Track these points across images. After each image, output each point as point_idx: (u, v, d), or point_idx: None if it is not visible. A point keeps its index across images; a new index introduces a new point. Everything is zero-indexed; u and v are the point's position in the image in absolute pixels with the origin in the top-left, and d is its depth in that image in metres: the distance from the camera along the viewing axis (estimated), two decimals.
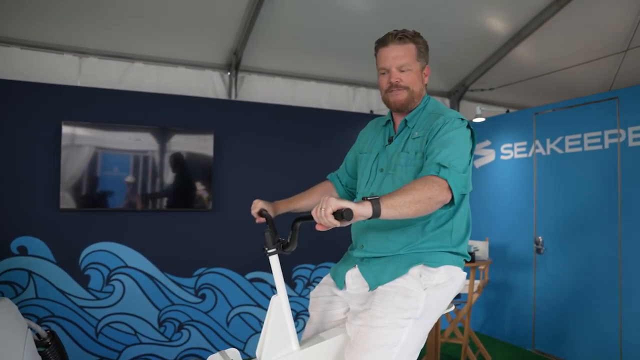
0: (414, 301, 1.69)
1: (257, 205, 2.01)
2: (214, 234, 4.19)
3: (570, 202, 4.19)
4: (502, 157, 4.93)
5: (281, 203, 2.11)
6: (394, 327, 1.65)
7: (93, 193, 3.85)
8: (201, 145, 4.10)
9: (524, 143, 4.68)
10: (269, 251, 1.75)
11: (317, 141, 4.63)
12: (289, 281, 4.40)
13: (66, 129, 3.70)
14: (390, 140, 1.94)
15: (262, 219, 1.97)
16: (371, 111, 5.06)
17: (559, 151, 4.31)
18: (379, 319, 1.66)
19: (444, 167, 1.62)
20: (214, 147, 4.12)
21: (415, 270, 1.74)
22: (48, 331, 1.57)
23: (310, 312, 2.03)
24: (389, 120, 2.01)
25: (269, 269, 4.23)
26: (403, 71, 1.86)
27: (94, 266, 3.88)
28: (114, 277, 3.92)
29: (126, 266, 3.95)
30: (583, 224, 4.08)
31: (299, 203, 2.16)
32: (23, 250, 3.70)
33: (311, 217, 1.50)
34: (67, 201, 3.73)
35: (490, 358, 4.23)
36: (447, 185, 1.60)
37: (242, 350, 4.24)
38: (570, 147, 4.21)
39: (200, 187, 4.12)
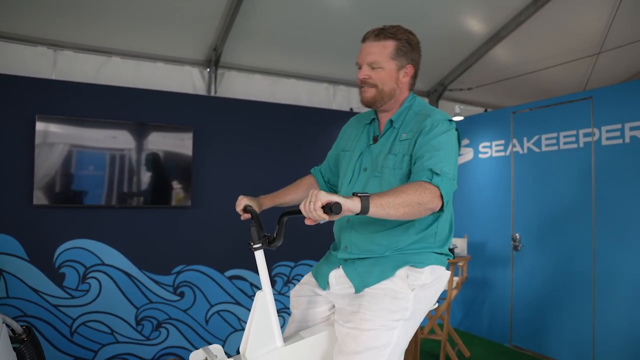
0: (403, 302, 1.69)
1: (242, 201, 1.98)
2: (193, 231, 4.14)
3: (547, 199, 4.27)
4: (480, 156, 4.99)
5: (266, 198, 2.09)
6: (384, 329, 1.65)
7: (68, 189, 3.76)
8: (180, 141, 4.05)
9: (502, 142, 4.75)
10: (255, 246, 1.72)
11: (297, 138, 4.62)
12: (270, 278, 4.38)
13: (40, 124, 3.60)
14: (375, 140, 1.91)
15: (247, 215, 1.94)
16: (351, 109, 5.07)
17: (536, 150, 4.38)
18: (369, 321, 1.66)
19: (436, 174, 1.61)
20: (193, 144, 4.07)
21: (402, 272, 1.74)
22: (24, 327, 1.53)
23: (292, 310, 2.01)
24: (373, 118, 1.98)
25: (248, 267, 4.26)
26: (374, 68, 1.83)
27: (69, 264, 3.79)
28: (90, 275, 3.84)
29: (103, 264, 3.87)
30: (559, 221, 4.15)
31: (284, 198, 2.14)
32: None
33: (299, 212, 1.49)
34: (40, 197, 3.63)
35: (468, 354, 4.28)
36: (439, 192, 1.59)
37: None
38: (547, 145, 4.28)
39: (178, 184, 4.07)
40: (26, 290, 3.62)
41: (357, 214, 1.44)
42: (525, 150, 4.48)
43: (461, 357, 4.18)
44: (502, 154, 4.73)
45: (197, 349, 4.06)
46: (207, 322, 4.17)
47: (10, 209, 3.62)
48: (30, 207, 3.65)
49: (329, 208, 1.39)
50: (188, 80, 4.51)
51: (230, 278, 4.25)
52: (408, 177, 1.74)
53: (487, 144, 4.90)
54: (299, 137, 4.63)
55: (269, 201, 2.09)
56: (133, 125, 3.91)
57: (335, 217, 1.41)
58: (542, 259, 4.29)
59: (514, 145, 4.61)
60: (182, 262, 4.11)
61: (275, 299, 4.38)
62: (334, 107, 5.12)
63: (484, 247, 4.75)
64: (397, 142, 1.83)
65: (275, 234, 1.70)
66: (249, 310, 4.25)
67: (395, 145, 1.83)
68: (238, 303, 4.27)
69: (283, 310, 4.40)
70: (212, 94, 4.50)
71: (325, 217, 1.40)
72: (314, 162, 4.59)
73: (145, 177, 3.96)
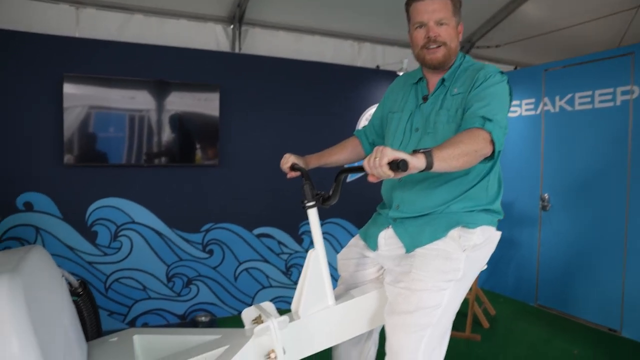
0: (455, 263, 1.69)
1: (289, 159, 1.95)
2: (221, 190, 4.16)
3: (578, 159, 4.19)
4: (510, 115, 4.88)
5: (312, 157, 2.06)
6: (436, 290, 1.65)
7: (97, 149, 3.77)
8: (207, 99, 4.01)
9: (532, 100, 4.64)
10: (308, 204, 1.70)
11: (322, 96, 4.55)
12: (297, 237, 4.41)
13: (68, 83, 3.58)
14: (425, 99, 1.87)
15: (294, 173, 1.92)
16: (377, 66, 4.97)
17: (568, 108, 4.27)
18: (421, 282, 1.65)
19: (489, 120, 1.59)
20: (219, 103, 4.02)
21: (454, 233, 1.72)
22: (79, 281, 1.55)
23: (341, 273, 2.02)
24: (421, 78, 1.94)
25: (276, 225, 4.28)
26: (441, 24, 1.78)
27: (100, 222, 3.85)
28: (121, 233, 3.89)
29: (133, 222, 3.92)
30: (591, 181, 4.08)
31: (329, 158, 2.11)
32: (29, 206, 3.65)
33: (359, 169, 1.46)
34: (70, 157, 3.65)
35: (494, 312, 4.31)
36: (490, 138, 1.57)
37: (249, 305, 4.27)
38: (580, 104, 4.17)
39: (206, 142, 4.05)
40: (62, 248, 3.69)
41: (422, 171, 1.42)
42: (557, 109, 4.37)
43: (487, 315, 4.21)
44: (532, 112, 4.63)
45: (226, 305, 4.16)
46: (235, 279, 4.23)
47: (42, 168, 3.65)
48: (61, 166, 3.68)
49: (395, 165, 1.35)
50: (212, 38, 4.43)
51: (258, 236, 4.29)
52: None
53: (517, 102, 4.79)
54: (324, 95, 4.56)
55: (315, 161, 2.06)
56: (159, 83, 3.87)
57: (400, 175, 1.38)
58: (571, 220, 4.25)
59: (545, 104, 4.50)
60: (211, 220, 4.14)
61: (302, 257, 4.44)
62: (359, 64, 5.01)
63: (511, 207, 4.71)
64: (449, 97, 1.80)
65: (331, 192, 1.68)
66: (277, 267, 4.32)
67: (446, 101, 1.80)
68: (266, 261, 4.32)
69: None
70: (237, 51, 4.43)
71: (390, 174, 1.37)
72: (339, 119, 4.57)
73: (174, 136, 3.95)
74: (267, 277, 4.34)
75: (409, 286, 1.66)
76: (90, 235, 3.81)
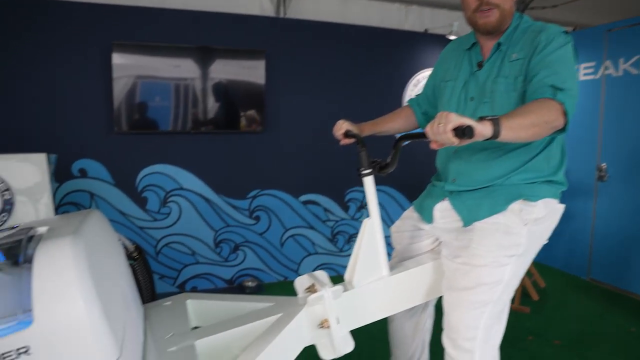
0: (516, 238, 1.61)
1: (343, 125, 1.88)
2: (267, 156, 4.16)
3: None
4: None
5: (366, 125, 1.99)
6: (496, 265, 1.58)
7: (144, 116, 3.81)
8: (252, 67, 3.97)
9: (592, 63, 4.38)
10: (365, 172, 1.65)
11: (370, 61, 4.43)
12: (343, 204, 4.39)
13: (116, 53, 3.61)
14: (480, 66, 1.76)
15: (348, 140, 1.86)
16: (426, 30, 4.79)
17: (634, 71, 4.01)
18: (480, 257, 1.59)
19: (559, 89, 1.47)
20: (265, 68, 3.98)
21: (515, 206, 1.64)
22: (135, 245, 1.57)
23: (395, 246, 1.97)
24: (474, 43, 1.81)
25: (322, 192, 4.27)
26: None
27: (150, 188, 3.93)
28: (170, 199, 3.97)
29: (181, 188, 3.98)
30: None
31: (383, 126, 2.03)
32: (83, 173, 3.76)
33: (421, 135, 1.40)
34: (120, 125, 3.72)
35: (543, 284, 4.20)
36: (563, 109, 1.46)
37: (295, 271, 4.32)
38: None
39: (251, 109, 4.04)
40: (115, 213, 3.79)
41: (488, 139, 1.34)
42: (621, 72, 4.12)
43: (536, 288, 4.11)
44: (592, 77, 4.38)
45: (272, 271, 4.20)
46: (282, 245, 4.27)
47: (95, 136, 3.74)
48: (112, 134, 3.75)
49: (460, 131, 1.27)
50: (256, 3, 4.36)
51: (304, 203, 4.29)
52: (523, 99, 1.60)
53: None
54: (371, 60, 4.44)
55: (369, 128, 1.98)
56: (204, 50, 3.86)
57: (465, 142, 1.30)
58: (630, 191, 4.04)
59: (606, 67, 4.24)
60: (257, 186, 4.16)
61: (348, 224, 4.42)
62: (407, 27, 4.85)
63: (565, 177, 4.52)
64: (507, 63, 1.68)
65: (389, 159, 1.62)
66: (323, 234, 4.32)
67: (504, 67, 1.68)
68: (312, 227, 4.33)
69: (355, 236, 4.43)
70: (281, 16, 4.35)
71: (454, 142, 1.30)
72: (386, 85, 4.46)
73: (219, 103, 3.95)
74: (313, 243, 4.35)
75: (467, 261, 1.61)
76: (140, 201, 3.91)
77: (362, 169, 1.67)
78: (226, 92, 3.96)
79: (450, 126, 1.28)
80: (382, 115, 2.15)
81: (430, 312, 2.02)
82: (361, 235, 1.61)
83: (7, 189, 2.05)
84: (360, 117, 2.15)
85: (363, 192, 4.33)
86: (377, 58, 4.45)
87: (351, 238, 4.44)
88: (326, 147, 4.20)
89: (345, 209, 4.42)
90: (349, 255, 4.51)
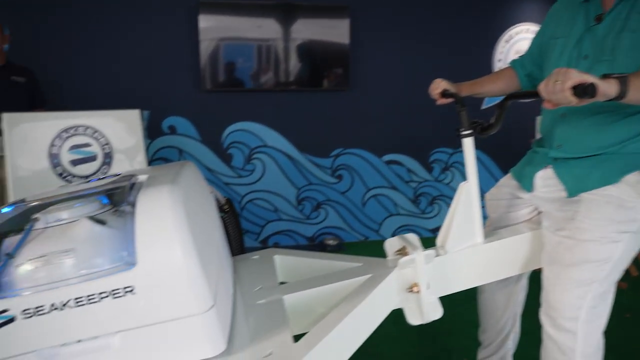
0: (631, 213, 1.44)
1: (440, 84, 1.75)
2: (351, 115, 4.09)
3: None
4: None
5: (464, 85, 1.84)
6: (606, 241, 1.43)
7: (230, 75, 3.87)
8: (335, 26, 3.88)
9: None
10: (464, 133, 1.54)
11: (459, 16, 4.18)
12: (427, 165, 4.27)
13: (203, 14, 3.65)
14: (599, 19, 1.53)
15: (445, 100, 1.74)
16: None
17: None
18: (587, 231, 1.44)
19: None
20: (349, 27, 3.87)
21: (630, 178, 1.45)
22: (226, 198, 1.60)
23: (489, 214, 1.85)
24: None
25: (405, 152, 4.16)
26: None
27: (235, 145, 4.01)
28: (254, 156, 4.04)
29: (265, 145, 4.03)
30: None
31: (482, 87, 1.88)
32: (173, 130, 3.90)
33: (531, 94, 1.27)
34: (206, 83, 3.79)
35: None
36: None
37: (376, 231, 4.30)
38: None
39: (336, 66, 3.97)
40: (202, 169, 3.92)
41: (611, 100, 1.19)
42: None
43: (635, 262, 3.81)
44: None
45: (354, 230, 4.20)
46: (363, 205, 4.24)
47: (183, 93, 3.85)
48: (199, 92, 3.85)
49: (581, 90, 1.13)
50: None
51: (388, 163, 4.21)
52: None
53: None
54: (461, 15, 4.19)
55: (467, 89, 1.84)
56: (287, 7, 3.80)
57: (585, 102, 1.16)
58: None
59: None
60: (340, 145, 4.13)
61: (431, 185, 4.29)
62: None
63: None
64: (635, 15, 1.44)
65: (492, 120, 1.51)
66: (405, 195, 4.23)
67: (631, 20, 1.44)
68: (394, 188, 4.26)
69: (439, 198, 4.32)
70: None
71: (573, 101, 1.16)
72: (477, 41, 4.21)
73: (303, 61, 3.91)
74: (395, 204, 4.29)
75: (572, 235, 1.46)
76: (226, 158, 4.01)
77: (462, 129, 1.55)
78: (309, 52, 3.91)
79: (570, 84, 1.14)
80: (472, 72, 2.00)
81: (523, 284, 1.90)
82: (457, 199, 1.52)
83: (107, 143, 2.15)
84: (450, 74, 2.01)
85: (447, 153, 4.24)
86: (467, 12, 4.19)
87: (434, 200, 4.33)
88: (411, 106, 4.08)
89: (429, 170, 4.29)
90: (432, 217, 4.41)
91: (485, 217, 1.71)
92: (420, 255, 1.31)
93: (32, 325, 0.80)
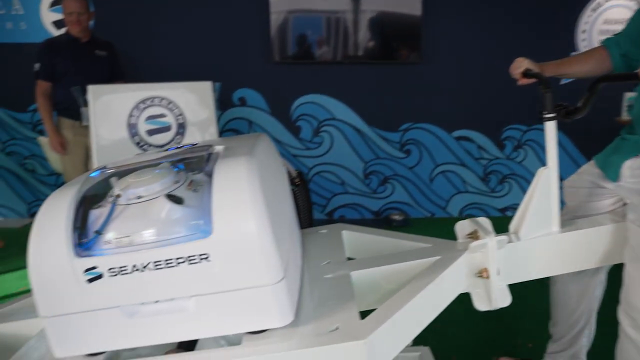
0: None
1: (523, 64, 1.64)
2: (422, 89, 4.00)
3: None
4: None
5: (549, 65, 1.72)
6: None
7: (300, 47, 3.87)
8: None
9: None
10: (547, 116, 1.45)
11: None
12: (498, 142, 4.11)
13: None
14: None
15: (527, 80, 1.63)
16: None
17: None
18: None
19: None
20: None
21: None
22: (297, 171, 1.61)
23: (567, 202, 1.76)
24: None
25: (476, 128, 4.02)
26: None
27: (304, 117, 4.03)
28: (322, 129, 4.05)
29: (334, 118, 4.03)
30: None
31: (570, 67, 1.75)
32: (243, 101, 3.98)
33: (627, 77, 1.18)
34: (276, 56, 3.82)
35: None
36: None
37: (443, 209, 4.22)
38: None
39: (407, 38, 3.87)
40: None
41: None
42: None
43: None
44: None
45: (420, 206, 4.15)
46: (431, 181, 4.17)
47: (253, 66, 3.91)
48: (269, 65, 3.88)
49: None
50: None
51: (458, 139, 4.09)
52: None
53: None
54: None
55: (552, 69, 1.71)
56: None
57: None
58: None
59: None
60: (409, 119, 4.05)
61: (502, 164, 4.15)
62: None
63: None
64: None
65: (580, 104, 1.41)
66: (474, 173, 4.12)
67: None
68: (464, 165, 4.14)
69: (510, 177, 4.16)
70: None
71: None
72: (555, 14, 3.94)
73: (374, 34, 3.84)
74: (464, 181, 4.18)
75: None
76: (294, 130, 4.04)
77: (545, 112, 1.46)
78: (380, 24, 3.84)
79: None
80: (554, 49, 1.86)
81: (601, 279, 1.79)
82: (534, 184, 1.44)
83: (181, 114, 2.22)
84: (526, 51, 1.88)
85: (521, 130, 4.07)
86: None
87: (505, 178, 4.17)
88: (484, 80, 3.92)
89: (501, 147, 4.13)
90: (501, 196, 4.27)
91: (562, 204, 1.62)
92: (492, 240, 1.26)
93: (117, 283, 0.86)
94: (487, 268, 1.28)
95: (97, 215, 0.90)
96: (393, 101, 4.01)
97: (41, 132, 3.75)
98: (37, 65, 3.24)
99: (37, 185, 4.28)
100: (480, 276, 1.29)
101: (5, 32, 3.95)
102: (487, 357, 2.20)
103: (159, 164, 1.04)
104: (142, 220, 0.88)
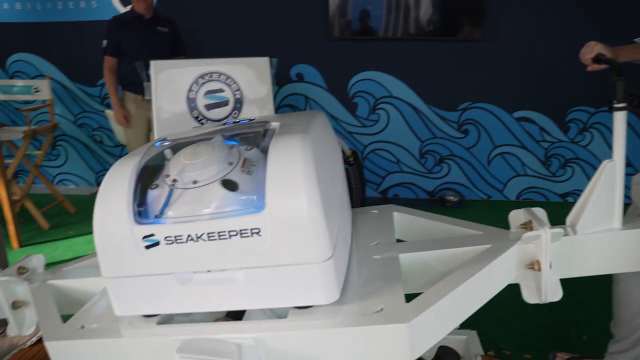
0: None
1: (594, 48, 1.53)
2: (483, 67, 3.86)
3: None
4: None
5: (623, 50, 1.60)
6: None
7: (358, 23, 3.81)
8: None
9: None
10: (617, 105, 1.37)
11: None
12: (562, 124, 3.92)
13: None
14: None
15: (598, 66, 1.53)
16: None
17: None
18: None
19: None
20: None
21: None
22: (352, 150, 1.61)
23: (633, 198, 1.67)
24: None
25: (540, 109, 3.86)
26: None
27: (361, 94, 4.00)
28: (379, 106, 4.01)
29: (391, 96, 3.98)
30: None
31: None
32: (300, 77, 3.99)
33: None
34: (334, 31, 3.79)
35: None
36: None
37: (500, 191, 4.11)
38: None
39: (469, 14, 3.73)
40: (327, 118, 3.98)
41: None
42: None
43: None
44: None
45: (476, 188, 4.06)
46: (489, 162, 4.06)
47: (311, 42, 3.91)
48: (327, 40, 3.86)
49: None
50: None
51: (519, 120, 3.95)
52: None
53: None
54: None
55: (627, 54, 1.59)
56: None
57: None
58: None
59: None
60: (469, 99, 3.94)
61: (565, 147, 3.97)
62: None
63: None
64: None
65: None
66: (535, 156, 3.96)
67: None
68: (524, 147, 4.00)
69: (574, 160, 3.98)
70: None
71: None
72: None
73: (434, 9, 3.73)
74: (523, 164, 4.04)
75: None
76: (351, 106, 4.02)
77: (615, 102, 1.37)
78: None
79: None
80: (631, 32, 1.73)
81: None
82: (597, 177, 1.37)
83: (238, 89, 2.25)
84: (599, 34, 1.77)
85: (588, 112, 3.87)
86: None
87: (567, 163, 3.99)
88: (549, 59, 3.75)
89: (565, 130, 3.94)
90: (563, 181, 4.10)
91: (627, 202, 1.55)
92: (547, 232, 1.21)
93: (172, 251, 0.90)
94: (539, 260, 1.24)
95: (155, 196, 0.94)
96: (452, 79, 3.91)
97: (108, 106, 3.93)
98: (104, 42, 3.38)
99: (104, 155, 4.50)
100: (532, 268, 1.25)
101: (79, 10, 4.14)
102: (537, 347, 2.15)
103: (213, 137, 1.07)
104: (198, 205, 0.91)
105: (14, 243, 3.35)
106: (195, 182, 0.93)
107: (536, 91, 3.87)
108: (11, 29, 4.29)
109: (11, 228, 3.35)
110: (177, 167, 0.95)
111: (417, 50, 3.86)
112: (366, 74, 3.96)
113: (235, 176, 0.93)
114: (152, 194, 0.94)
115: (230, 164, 0.95)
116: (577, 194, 3.92)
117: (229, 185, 0.91)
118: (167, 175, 0.95)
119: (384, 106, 4.00)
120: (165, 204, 0.92)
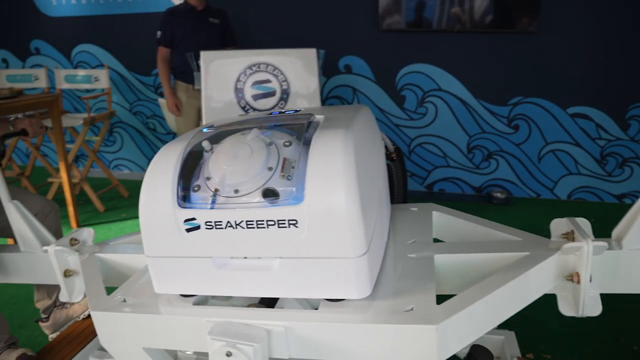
0: None
1: None
2: (536, 60, 3.73)
3: None
4: None
5: None
6: None
7: (409, 15, 3.76)
8: None
9: None
10: None
11: None
12: (621, 121, 3.75)
13: None
14: None
15: None
16: None
17: None
18: None
19: None
20: None
21: None
22: (395, 146, 1.61)
23: None
24: None
25: (596, 105, 3.71)
26: None
27: (409, 87, 3.96)
28: (427, 99, 3.96)
29: (440, 89, 3.92)
30: None
31: None
32: (348, 69, 3.98)
33: None
34: (385, 22, 3.76)
35: None
36: None
37: (551, 190, 3.99)
38: None
39: (524, 6, 3.61)
40: (373, 109, 3.98)
41: None
42: None
43: None
44: None
45: (525, 185, 3.95)
46: (539, 159, 3.94)
47: (360, 34, 3.89)
48: (376, 32, 3.84)
49: None
50: None
51: (573, 116, 3.80)
52: None
53: None
54: None
55: None
56: None
57: None
58: None
59: None
60: (520, 93, 3.82)
61: (624, 145, 3.80)
62: None
63: None
64: None
65: None
66: (590, 154, 3.82)
67: None
68: (578, 144, 3.85)
69: (633, 160, 3.80)
70: None
71: None
72: None
73: (489, 1, 3.64)
74: (576, 162, 3.90)
75: None
76: (398, 99, 3.99)
77: None
78: None
79: None
80: None
81: None
82: None
83: (285, 80, 2.28)
84: None
85: None
86: None
87: (625, 162, 3.82)
88: (608, 54, 3.59)
89: (624, 127, 3.77)
90: (619, 181, 3.95)
91: None
92: (589, 244, 1.17)
93: (211, 235, 0.94)
94: (578, 273, 1.20)
95: (198, 198, 0.97)
96: (503, 73, 3.80)
97: (161, 95, 4.07)
98: (158, 33, 3.49)
99: (157, 143, 4.67)
100: (570, 280, 1.22)
101: (137, 3, 4.30)
102: (580, 353, 2.08)
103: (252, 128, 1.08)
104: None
105: (73, 223, 3.53)
106: (236, 191, 0.94)
107: (592, 86, 3.71)
108: (76, 22, 4.52)
109: (70, 209, 3.53)
110: (217, 172, 0.97)
111: (468, 42, 3.78)
112: (415, 66, 3.92)
113: (275, 182, 0.94)
114: (195, 196, 0.97)
115: (270, 169, 0.95)
116: (635, 195, 3.76)
117: (270, 194, 0.93)
118: (208, 179, 0.97)
119: (432, 99, 3.94)
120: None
